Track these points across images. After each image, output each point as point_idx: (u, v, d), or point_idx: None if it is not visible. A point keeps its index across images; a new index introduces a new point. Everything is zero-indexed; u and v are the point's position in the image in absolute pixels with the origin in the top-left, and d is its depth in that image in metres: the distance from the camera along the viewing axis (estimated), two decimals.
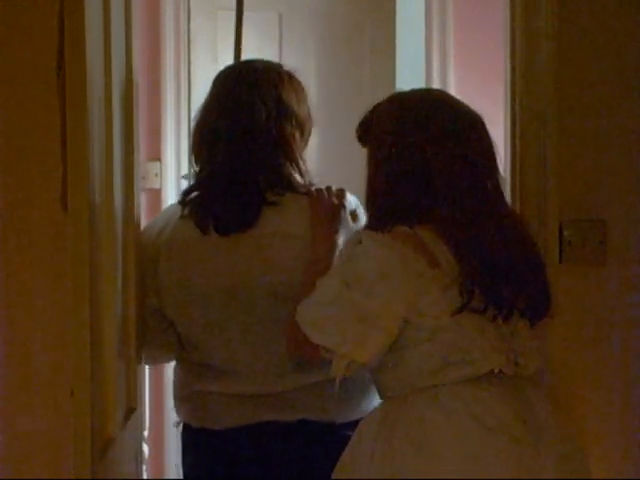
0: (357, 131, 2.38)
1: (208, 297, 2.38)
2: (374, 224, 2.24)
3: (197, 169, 2.47)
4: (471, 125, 2.20)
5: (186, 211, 2.41)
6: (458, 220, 2.14)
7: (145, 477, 3.40)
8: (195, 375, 2.47)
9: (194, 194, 2.43)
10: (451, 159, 2.18)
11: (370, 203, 2.30)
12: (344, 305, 2.12)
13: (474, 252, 2.12)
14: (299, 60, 4.56)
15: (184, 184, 2.54)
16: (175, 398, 2.57)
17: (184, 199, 2.45)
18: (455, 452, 2.07)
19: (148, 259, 2.44)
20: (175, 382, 2.57)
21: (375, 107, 2.38)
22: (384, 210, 2.26)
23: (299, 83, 2.53)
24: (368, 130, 2.35)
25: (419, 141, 2.22)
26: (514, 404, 2.09)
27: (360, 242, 2.19)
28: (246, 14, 4.53)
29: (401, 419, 2.15)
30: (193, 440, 2.50)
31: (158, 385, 4.31)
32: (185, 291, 2.40)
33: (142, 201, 2.85)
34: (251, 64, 2.56)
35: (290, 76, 2.51)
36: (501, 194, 2.16)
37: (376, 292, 2.12)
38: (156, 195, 4.33)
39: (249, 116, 2.42)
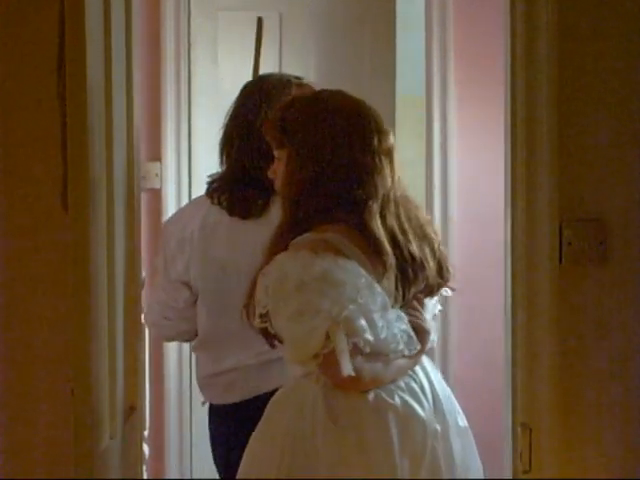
0: (273, 132, 2.48)
1: (225, 269, 2.76)
2: (296, 225, 2.38)
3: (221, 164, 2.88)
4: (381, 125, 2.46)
5: (215, 200, 2.80)
6: (367, 219, 2.36)
7: (145, 477, 3.40)
8: (208, 357, 2.87)
9: (215, 185, 2.84)
10: (376, 157, 2.41)
11: (292, 201, 2.41)
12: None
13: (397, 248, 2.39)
14: (299, 60, 4.57)
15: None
16: (197, 381, 2.96)
17: (210, 190, 2.84)
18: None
19: (181, 240, 2.83)
20: (197, 367, 2.98)
21: (288, 107, 2.49)
22: (309, 208, 2.38)
23: (305, 87, 2.89)
24: (285, 131, 2.45)
25: (347, 141, 2.40)
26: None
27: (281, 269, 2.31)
28: (246, 14, 4.54)
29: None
30: (214, 415, 2.93)
31: (158, 385, 4.31)
32: (212, 263, 2.79)
33: (142, 201, 2.85)
34: (266, 77, 2.98)
35: (299, 85, 2.90)
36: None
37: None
38: (156, 195, 4.33)
39: (256, 120, 2.78)
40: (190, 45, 4.38)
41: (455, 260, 4.33)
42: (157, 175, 4.34)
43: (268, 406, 2.46)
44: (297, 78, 2.95)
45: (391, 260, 2.38)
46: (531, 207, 2.26)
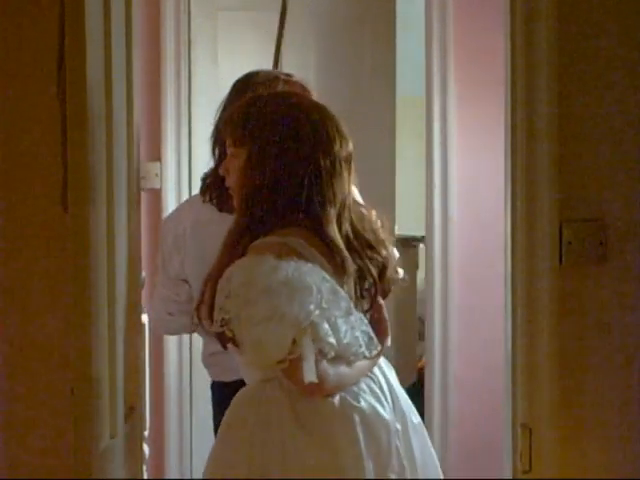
0: (233, 128, 2.47)
1: None
2: (253, 227, 2.38)
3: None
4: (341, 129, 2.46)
5: (207, 197, 2.89)
6: (329, 219, 2.38)
7: (145, 477, 3.40)
8: (211, 339, 2.81)
9: (207, 181, 2.94)
10: (337, 162, 2.41)
11: (250, 202, 2.40)
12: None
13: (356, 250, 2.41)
14: (299, 59, 4.57)
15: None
16: (203, 359, 3.08)
17: (202, 187, 2.95)
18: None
19: (175, 237, 2.92)
20: (203, 347, 3.08)
21: (251, 105, 2.48)
22: (267, 210, 2.38)
23: (295, 84, 2.92)
24: (246, 128, 2.44)
25: (310, 143, 2.40)
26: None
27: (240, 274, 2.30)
28: (246, 14, 4.54)
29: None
30: (213, 390, 3.07)
31: (158, 385, 4.31)
32: (204, 259, 2.71)
33: (142, 201, 2.85)
34: (254, 73, 3.00)
35: (287, 81, 2.92)
36: None
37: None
38: (156, 195, 4.33)
39: None
40: (190, 45, 4.37)
41: (455, 260, 4.34)
42: (157, 175, 4.34)
43: (230, 409, 2.46)
44: (287, 75, 2.98)
45: (350, 264, 2.39)
46: (531, 207, 2.26)
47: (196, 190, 4.34)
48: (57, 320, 2.02)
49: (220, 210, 2.84)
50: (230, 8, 4.51)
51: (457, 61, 4.33)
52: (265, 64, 4.51)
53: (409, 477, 2.41)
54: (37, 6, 2.00)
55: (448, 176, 4.35)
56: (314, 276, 2.30)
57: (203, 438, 4.39)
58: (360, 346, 2.36)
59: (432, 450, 2.56)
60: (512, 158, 2.31)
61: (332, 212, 2.40)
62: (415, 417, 2.53)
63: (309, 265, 2.31)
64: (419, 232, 4.85)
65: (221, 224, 2.73)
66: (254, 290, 2.26)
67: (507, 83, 2.34)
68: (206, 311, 2.36)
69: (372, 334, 2.41)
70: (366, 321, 2.42)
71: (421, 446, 2.50)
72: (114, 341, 2.27)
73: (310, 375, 2.25)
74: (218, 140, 2.85)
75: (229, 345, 2.37)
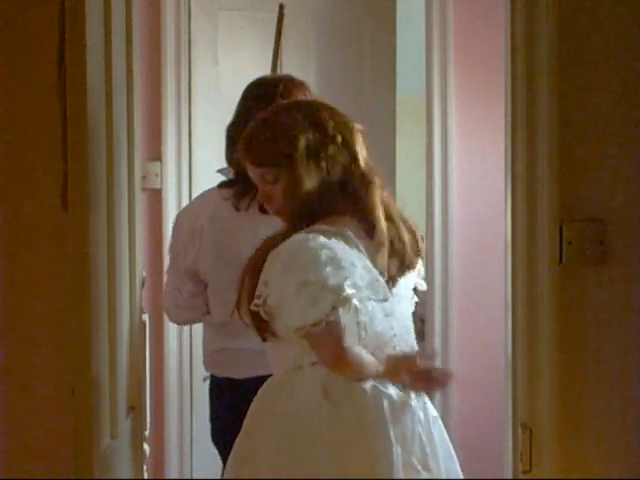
0: (264, 155, 2.49)
1: (232, 260, 2.77)
2: (299, 224, 2.43)
3: (228, 165, 3.02)
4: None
5: (226, 195, 2.93)
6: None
7: (145, 477, 3.40)
8: (218, 334, 3.00)
9: (226, 180, 2.99)
10: (357, 147, 2.50)
11: (302, 215, 2.45)
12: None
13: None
14: (299, 59, 4.56)
15: (218, 177, 3.13)
16: (204, 355, 3.10)
17: (221, 184, 2.99)
18: None
19: (191, 231, 2.96)
20: (204, 342, 3.12)
21: (267, 127, 2.50)
22: (318, 216, 2.45)
23: (300, 88, 3.00)
24: (279, 150, 2.46)
25: (338, 140, 2.47)
26: None
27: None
28: (246, 14, 4.54)
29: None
30: (217, 387, 3.05)
31: (158, 385, 4.31)
32: (219, 254, 2.91)
33: (142, 201, 2.85)
34: (259, 80, 3.10)
35: (292, 85, 3.00)
36: None
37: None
38: (156, 195, 4.33)
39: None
40: (190, 45, 4.37)
41: (455, 260, 4.34)
42: (157, 175, 4.34)
43: (257, 400, 2.50)
44: (290, 78, 3.06)
45: (386, 245, 2.49)
46: (531, 207, 2.25)
47: (196, 190, 4.38)
48: (57, 320, 2.02)
49: (237, 210, 2.92)
50: (230, 8, 4.51)
51: (457, 61, 4.33)
52: (265, 64, 4.51)
53: (431, 464, 2.46)
54: (37, 6, 2.00)
55: (448, 176, 4.35)
56: (359, 261, 2.41)
57: (203, 438, 4.39)
58: (393, 335, 2.46)
59: (450, 443, 2.60)
60: (512, 158, 2.30)
61: (376, 195, 2.49)
62: (433, 411, 2.58)
63: (355, 251, 2.42)
64: (419, 232, 4.85)
65: (238, 221, 2.91)
66: (300, 259, 2.35)
67: (507, 83, 2.34)
68: (246, 298, 2.43)
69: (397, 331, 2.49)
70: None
71: (439, 438, 2.55)
72: (114, 341, 2.27)
73: (346, 340, 2.34)
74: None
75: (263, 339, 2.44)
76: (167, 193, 4.34)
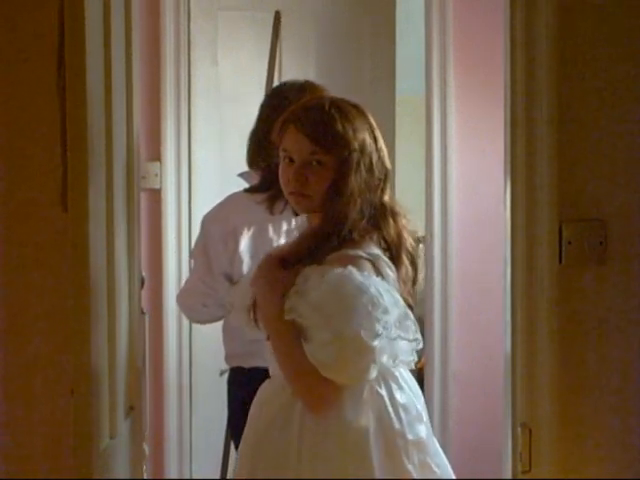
0: (318, 136, 2.39)
1: None
2: (337, 232, 2.36)
3: (251, 168, 3.12)
4: None
5: (258, 199, 3.00)
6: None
7: (145, 477, 3.40)
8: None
9: (256, 185, 3.06)
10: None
11: (339, 211, 2.37)
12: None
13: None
14: (299, 59, 4.56)
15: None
16: (229, 348, 3.19)
17: (255, 191, 3.05)
18: None
19: (223, 235, 3.03)
20: (228, 336, 3.20)
21: (324, 111, 2.41)
22: (354, 219, 2.38)
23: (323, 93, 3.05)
24: (335, 136, 2.39)
25: (382, 147, 2.46)
26: None
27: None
28: (246, 14, 4.53)
29: None
30: (247, 379, 3.07)
31: (158, 385, 4.31)
32: (254, 258, 2.96)
33: (142, 201, 2.85)
34: (283, 86, 3.24)
35: (316, 91, 3.07)
36: None
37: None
38: (156, 195, 4.33)
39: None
40: (190, 45, 4.37)
41: (454, 260, 4.34)
42: (157, 175, 4.34)
43: (262, 394, 2.50)
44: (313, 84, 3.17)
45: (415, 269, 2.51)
46: (531, 207, 2.25)
47: (196, 190, 4.38)
48: (57, 320, 2.02)
49: (272, 214, 3.01)
50: (230, 8, 4.51)
51: (457, 61, 4.33)
52: (264, 64, 4.52)
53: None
54: (37, 6, 2.00)
55: (447, 176, 4.35)
56: (391, 296, 2.34)
57: (203, 438, 4.39)
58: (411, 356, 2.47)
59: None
60: (512, 158, 2.30)
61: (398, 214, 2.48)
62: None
63: (385, 284, 2.36)
64: (419, 232, 4.85)
65: (272, 224, 3.02)
66: (344, 302, 2.28)
67: (507, 83, 2.34)
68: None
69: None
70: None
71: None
72: (114, 341, 2.27)
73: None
74: (268, 145, 2.86)
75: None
76: (166, 193, 4.34)
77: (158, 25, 4.29)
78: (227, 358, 3.22)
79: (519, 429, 2.28)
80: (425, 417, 2.52)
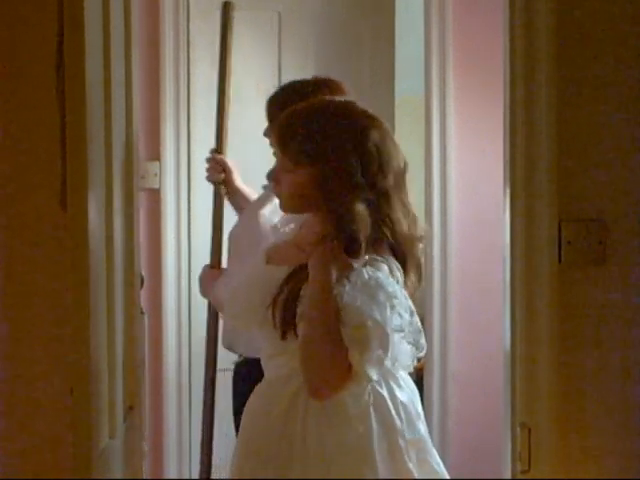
0: (291, 147, 2.43)
1: None
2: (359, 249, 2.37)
3: None
4: None
5: None
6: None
7: (144, 477, 3.40)
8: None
9: None
10: (398, 176, 2.55)
11: (354, 227, 2.38)
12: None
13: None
14: (298, 60, 4.56)
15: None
16: (244, 339, 3.16)
17: None
18: None
19: (266, 230, 3.01)
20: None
21: (301, 119, 2.44)
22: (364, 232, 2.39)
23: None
24: (307, 147, 2.42)
25: (376, 162, 2.46)
26: None
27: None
28: (246, 13, 4.53)
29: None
30: (245, 368, 3.20)
31: (157, 385, 4.31)
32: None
33: (141, 201, 2.85)
34: (295, 85, 3.14)
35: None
36: None
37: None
38: (155, 195, 4.33)
39: None
40: (189, 44, 4.38)
41: (454, 260, 4.34)
42: (156, 175, 4.34)
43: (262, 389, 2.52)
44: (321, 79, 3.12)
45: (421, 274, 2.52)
46: (530, 207, 2.25)
47: (195, 190, 4.38)
48: (56, 320, 2.02)
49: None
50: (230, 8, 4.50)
51: (456, 61, 4.33)
52: (265, 64, 4.52)
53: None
54: (36, 6, 2.00)
55: (447, 176, 4.36)
56: (404, 298, 2.40)
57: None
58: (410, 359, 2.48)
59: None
60: (511, 157, 2.30)
61: (404, 231, 2.45)
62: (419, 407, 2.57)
63: (399, 286, 2.41)
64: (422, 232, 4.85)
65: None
66: (369, 296, 2.33)
67: (506, 83, 2.34)
68: (282, 306, 2.40)
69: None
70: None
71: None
72: (113, 341, 2.27)
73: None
74: None
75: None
76: (166, 193, 4.35)
77: (158, 25, 4.29)
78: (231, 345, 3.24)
79: (518, 429, 2.28)
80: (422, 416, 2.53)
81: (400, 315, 2.35)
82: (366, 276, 2.35)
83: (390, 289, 2.35)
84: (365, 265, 2.37)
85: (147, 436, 3.81)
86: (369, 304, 2.32)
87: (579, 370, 2.23)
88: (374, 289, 2.33)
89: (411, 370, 2.52)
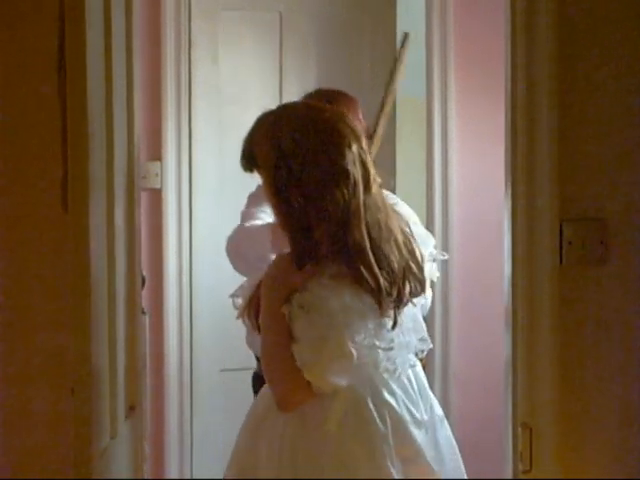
0: (255, 151, 2.45)
1: None
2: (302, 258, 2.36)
3: None
4: None
5: None
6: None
7: (146, 477, 3.40)
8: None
9: None
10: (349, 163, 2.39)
11: (300, 236, 2.37)
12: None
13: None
14: (299, 60, 4.56)
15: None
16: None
17: None
18: None
19: None
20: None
21: (277, 128, 2.42)
22: (310, 245, 2.37)
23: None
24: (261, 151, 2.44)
25: (327, 161, 2.38)
26: None
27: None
28: (246, 14, 4.54)
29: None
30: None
31: (158, 385, 4.31)
32: None
33: (142, 201, 2.85)
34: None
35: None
36: None
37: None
38: (156, 195, 4.33)
39: None
40: (190, 44, 4.37)
41: (455, 261, 4.34)
42: (157, 175, 4.34)
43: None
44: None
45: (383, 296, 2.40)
46: (531, 207, 2.26)
47: (196, 190, 4.38)
48: (57, 320, 2.02)
49: None
50: (230, 8, 4.51)
51: (457, 63, 4.33)
52: (265, 64, 4.52)
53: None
54: (37, 6, 2.00)
55: (448, 178, 4.36)
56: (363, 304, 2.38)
57: (203, 438, 4.39)
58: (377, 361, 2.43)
59: (454, 444, 2.62)
60: (512, 158, 2.31)
61: (359, 229, 2.39)
62: (439, 410, 2.62)
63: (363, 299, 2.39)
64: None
65: None
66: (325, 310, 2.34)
67: (507, 84, 2.34)
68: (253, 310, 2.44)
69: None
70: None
71: (444, 438, 2.58)
72: (114, 341, 2.27)
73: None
74: None
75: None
76: (167, 193, 4.34)
77: (159, 25, 4.29)
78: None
79: (520, 428, 2.28)
80: (426, 419, 2.52)
81: (362, 320, 2.35)
82: (315, 291, 2.35)
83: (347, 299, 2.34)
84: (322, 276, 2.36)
85: (148, 436, 3.82)
86: (318, 319, 2.33)
87: (580, 370, 2.23)
88: (324, 302, 2.33)
89: (397, 374, 2.47)
